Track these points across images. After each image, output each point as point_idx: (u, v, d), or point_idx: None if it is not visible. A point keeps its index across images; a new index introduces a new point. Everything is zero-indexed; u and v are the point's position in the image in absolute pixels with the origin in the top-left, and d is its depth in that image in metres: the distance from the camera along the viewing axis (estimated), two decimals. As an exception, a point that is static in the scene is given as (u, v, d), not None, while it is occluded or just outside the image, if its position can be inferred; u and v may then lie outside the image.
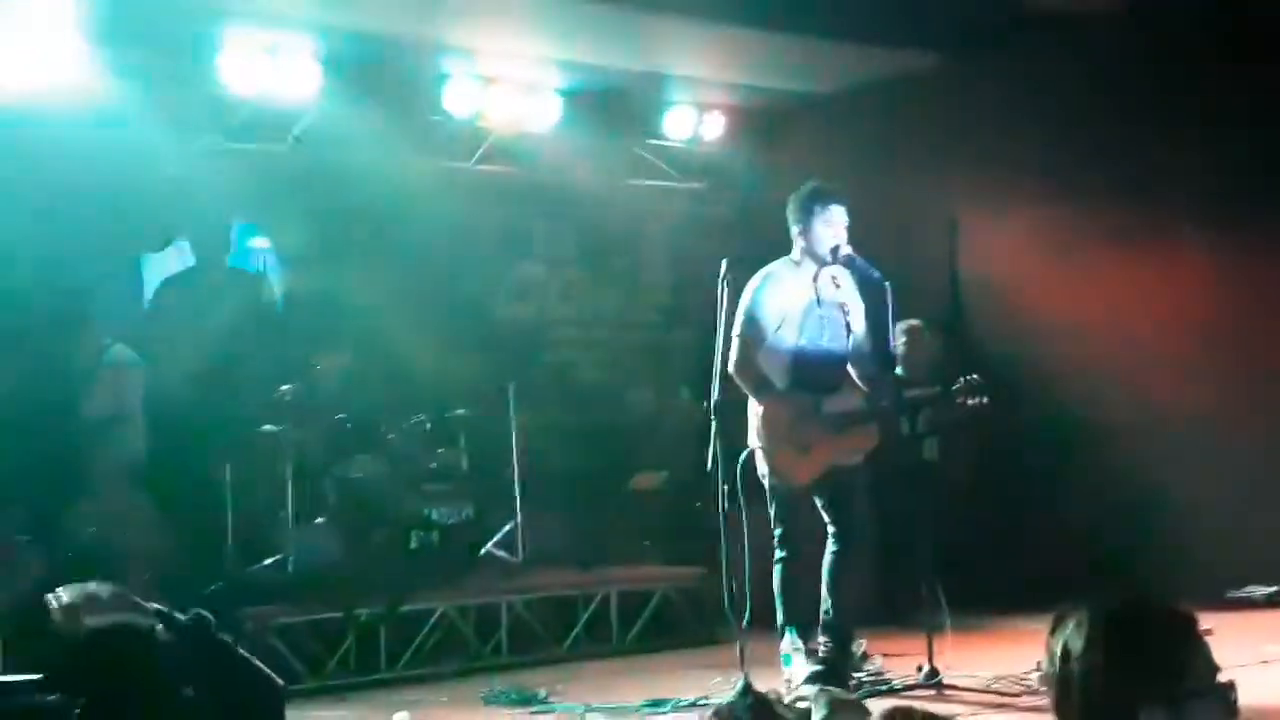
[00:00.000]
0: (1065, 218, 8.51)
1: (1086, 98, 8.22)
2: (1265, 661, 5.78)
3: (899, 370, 7.79)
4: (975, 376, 5.87)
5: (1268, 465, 7.74)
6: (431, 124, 8.45)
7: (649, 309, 9.49)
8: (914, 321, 7.99)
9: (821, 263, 5.84)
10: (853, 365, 5.87)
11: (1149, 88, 7.99)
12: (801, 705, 3.84)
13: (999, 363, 8.59)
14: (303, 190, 8.36)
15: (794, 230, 5.90)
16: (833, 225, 5.81)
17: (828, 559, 5.80)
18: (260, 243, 8.64)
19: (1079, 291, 8.47)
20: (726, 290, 5.76)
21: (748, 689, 2.79)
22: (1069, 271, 8.53)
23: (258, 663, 2.77)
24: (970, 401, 5.82)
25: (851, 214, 5.87)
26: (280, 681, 2.76)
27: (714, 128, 9.30)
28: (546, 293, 9.60)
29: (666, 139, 9.33)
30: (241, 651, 2.71)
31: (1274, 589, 7.70)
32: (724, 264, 5.80)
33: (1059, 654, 2.03)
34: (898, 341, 7.84)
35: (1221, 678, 2.01)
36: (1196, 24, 7.80)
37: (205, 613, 2.83)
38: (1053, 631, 2.07)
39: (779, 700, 2.80)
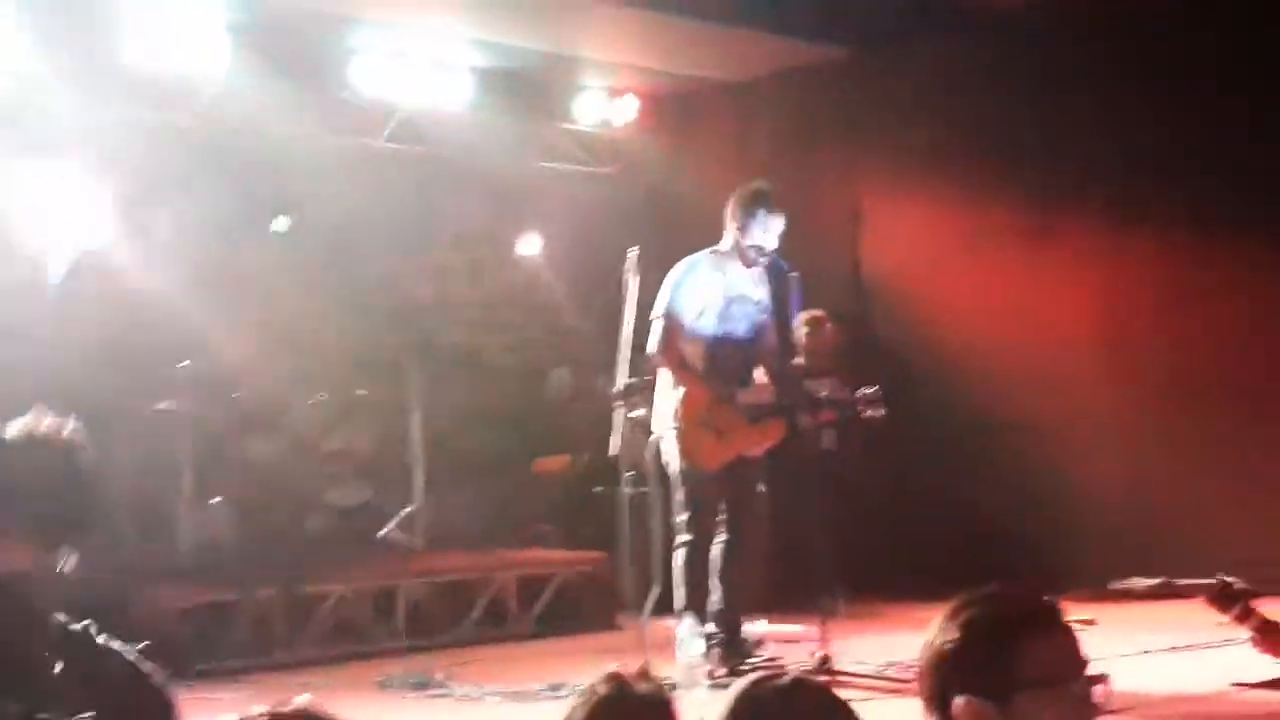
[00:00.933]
0: (969, 210, 8.64)
1: (992, 91, 8.34)
2: (1146, 651, 5.93)
3: (799, 359, 7.91)
4: (876, 389, 5.98)
5: (1156, 459, 7.93)
6: (339, 100, 8.34)
7: (559, 293, 9.45)
8: (816, 312, 8.06)
9: (751, 264, 5.96)
10: (764, 360, 5.98)
11: (1053, 81, 8.13)
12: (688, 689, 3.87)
13: (900, 353, 8.75)
14: (209, 163, 8.20)
15: (730, 224, 5.99)
16: (770, 232, 5.95)
17: (719, 549, 5.86)
18: (164, 215, 8.47)
19: (981, 283, 8.60)
20: (634, 277, 5.79)
21: (614, 676, 2.79)
22: (972, 263, 8.66)
23: (149, 674, 2.65)
24: (868, 413, 5.95)
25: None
26: (172, 699, 2.66)
27: (626, 113, 9.29)
28: (454, 273, 9.53)
29: (578, 123, 9.30)
30: (131, 659, 2.57)
31: (1157, 581, 7.88)
32: (631, 251, 5.84)
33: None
34: (799, 331, 7.96)
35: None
36: (1099, 17, 7.95)
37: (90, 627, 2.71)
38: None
39: (643, 678, 2.78)
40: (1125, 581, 7.84)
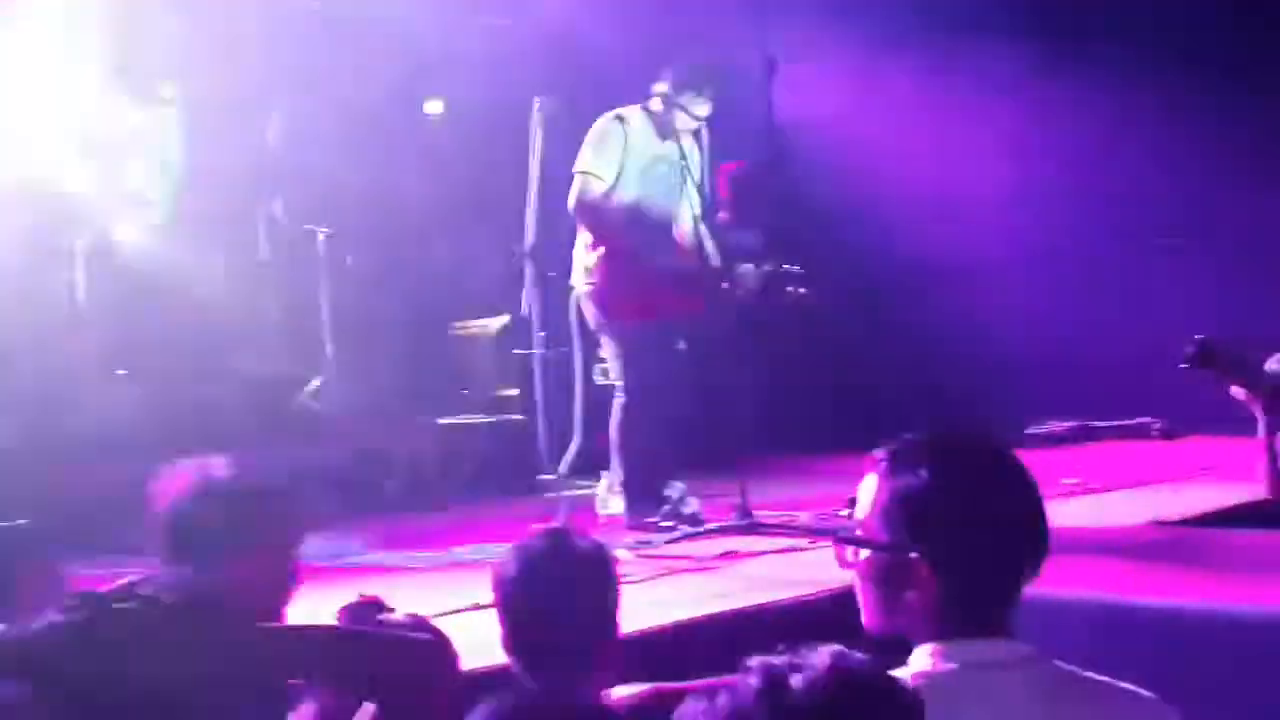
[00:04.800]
0: (876, 52, 8.50)
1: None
2: (1064, 494, 5.98)
3: (723, 214, 7.84)
4: (797, 267, 5.93)
5: (1072, 303, 7.96)
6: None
7: (459, 150, 9.20)
8: (738, 163, 7.99)
9: (674, 137, 5.90)
10: (684, 225, 5.88)
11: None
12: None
13: (817, 203, 8.67)
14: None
15: (663, 89, 5.90)
16: (700, 110, 5.91)
17: (637, 406, 5.80)
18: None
19: (897, 131, 8.51)
20: (541, 128, 5.62)
21: (551, 531, 2.74)
22: (887, 111, 8.56)
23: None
24: (791, 289, 5.89)
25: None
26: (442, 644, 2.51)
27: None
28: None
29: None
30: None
31: (1074, 424, 7.98)
32: (537, 101, 5.67)
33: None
34: (723, 182, 7.88)
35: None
36: None
37: None
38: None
39: (579, 534, 2.74)
40: (1042, 426, 7.96)
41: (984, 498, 1.97)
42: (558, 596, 2.56)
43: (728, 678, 1.43)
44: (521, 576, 2.59)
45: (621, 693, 2.67)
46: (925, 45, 8.35)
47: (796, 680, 1.40)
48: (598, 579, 2.64)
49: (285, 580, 2.73)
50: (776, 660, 1.43)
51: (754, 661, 1.44)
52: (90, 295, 7.00)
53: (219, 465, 2.74)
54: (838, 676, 1.41)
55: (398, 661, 2.07)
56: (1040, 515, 2.01)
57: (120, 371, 7.10)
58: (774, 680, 1.40)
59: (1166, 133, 7.66)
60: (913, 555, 1.96)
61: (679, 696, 1.71)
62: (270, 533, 2.73)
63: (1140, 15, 7.64)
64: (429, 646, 2.13)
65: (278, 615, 2.59)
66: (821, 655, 1.43)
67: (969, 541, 1.96)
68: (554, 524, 2.77)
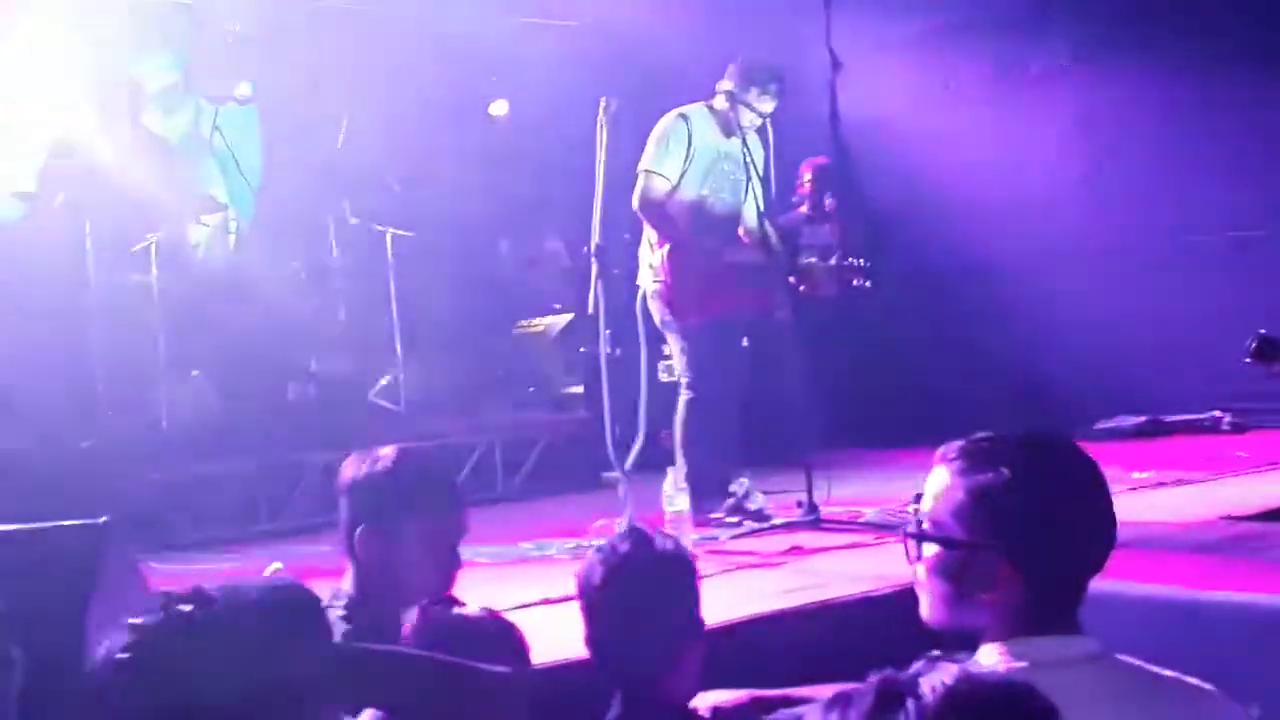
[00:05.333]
0: (945, 57, 8.47)
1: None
2: (1134, 489, 5.94)
3: (803, 208, 7.86)
4: (864, 261, 5.92)
5: (1140, 300, 7.88)
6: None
7: (521, 153, 9.25)
8: (820, 160, 8.07)
9: (739, 134, 5.88)
10: (748, 222, 5.90)
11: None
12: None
13: (881, 201, 8.65)
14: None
15: (728, 86, 5.89)
16: (765, 107, 5.89)
17: (703, 403, 5.82)
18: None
19: (959, 128, 8.47)
20: (606, 128, 5.65)
21: (634, 531, 2.76)
22: (949, 107, 8.52)
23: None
24: (856, 283, 5.88)
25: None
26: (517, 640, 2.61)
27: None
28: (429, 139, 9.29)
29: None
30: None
31: (1143, 419, 7.90)
32: (603, 100, 5.69)
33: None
34: (804, 178, 7.92)
35: None
36: None
37: None
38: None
39: (661, 534, 2.76)
40: (1111, 421, 7.89)
41: (1062, 496, 1.99)
42: (644, 597, 2.58)
43: (844, 686, 1.38)
44: (607, 580, 2.61)
45: (717, 698, 2.68)
46: (989, 39, 8.30)
47: (926, 691, 1.34)
48: (681, 579, 2.66)
49: (450, 558, 2.99)
50: (900, 674, 1.37)
51: (875, 676, 1.37)
52: (164, 296, 7.11)
53: (388, 450, 3.03)
54: (971, 687, 1.35)
55: (473, 697, 2.08)
56: (1110, 513, 2.03)
57: (194, 372, 7.23)
58: (901, 692, 1.34)
59: (1232, 125, 7.57)
60: (994, 554, 1.97)
61: (777, 704, 1.71)
62: (439, 503, 3.01)
63: (1198, 9, 7.55)
64: (507, 680, 2.14)
65: (444, 592, 2.78)
66: (948, 669, 1.37)
67: (1048, 539, 1.97)
68: (633, 525, 2.80)
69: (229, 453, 6.81)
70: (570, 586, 2.73)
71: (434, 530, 2.98)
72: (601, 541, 2.77)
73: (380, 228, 7.96)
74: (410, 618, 2.54)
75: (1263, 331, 4.30)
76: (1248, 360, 4.32)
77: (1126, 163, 7.99)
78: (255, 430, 7.06)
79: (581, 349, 7.85)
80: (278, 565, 5.20)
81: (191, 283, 7.35)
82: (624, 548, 2.65)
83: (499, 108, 9.31)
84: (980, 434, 2.05)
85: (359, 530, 2.97)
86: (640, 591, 2.58)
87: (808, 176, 8.24)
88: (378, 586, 2.93)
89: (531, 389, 8.53)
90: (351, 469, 3.04)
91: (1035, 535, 1.97)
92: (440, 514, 3.01)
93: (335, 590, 3.00)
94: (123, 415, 6.94)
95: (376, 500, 2.97)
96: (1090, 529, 2.01)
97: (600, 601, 2.60)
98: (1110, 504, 2.03)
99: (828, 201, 8.15)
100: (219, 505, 6.65)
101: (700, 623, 2.66)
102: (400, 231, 7.98)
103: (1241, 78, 7.38)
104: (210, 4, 8.00)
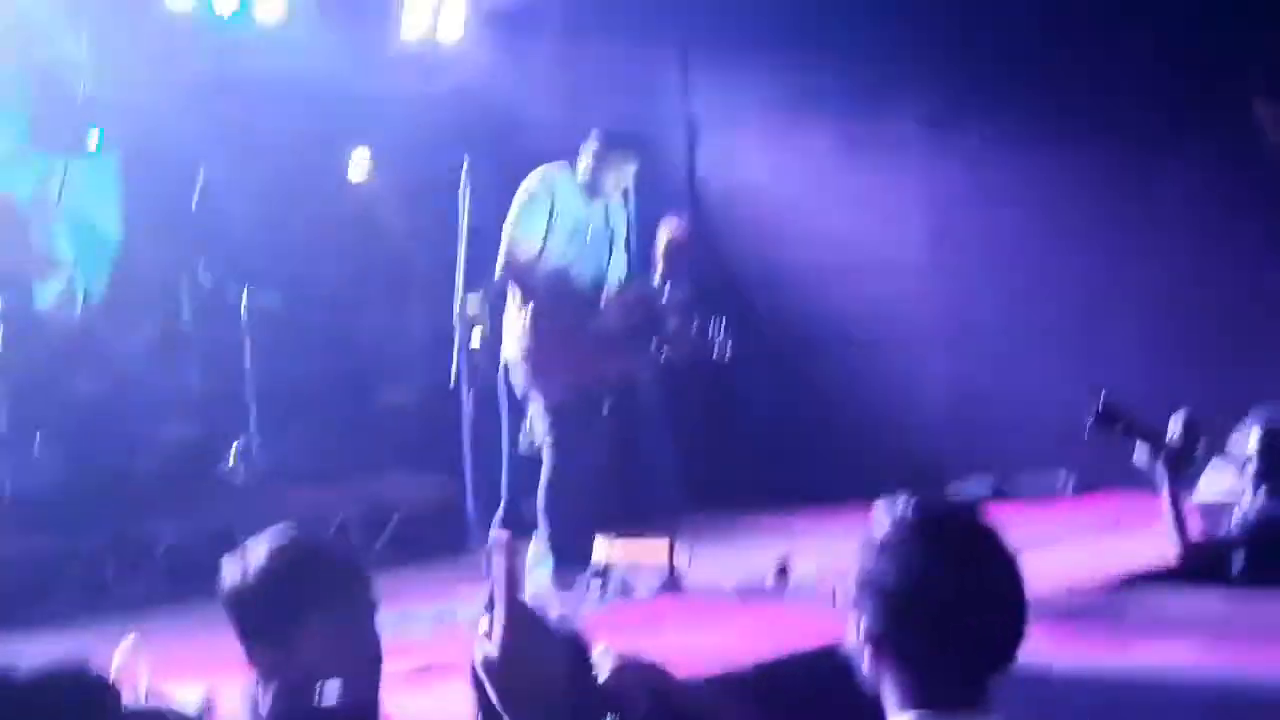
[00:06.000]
0: (802, 123, 8.64)
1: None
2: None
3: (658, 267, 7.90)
4: (722, 322, 5.99)
5: (987, 363, 8.10)
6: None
7: (386, 212, 9.18)
8: (674, 218, 8.10)
9: (602, 198, 5.96)
10: (611, 285, 5.93)
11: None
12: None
13: (733, 264, 8.76)
14: None
15: (591, 149, 5.93)
16: (624, 174, 5.98)
17: (563, 471, 5.81)
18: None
19: (814, 196, 8.64)
20: (468, 189, 5.65)
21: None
22: (803, 177, 8.68)
23: None
24: (716, 350, 5.94)
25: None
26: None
27: (453, 26, 9.01)
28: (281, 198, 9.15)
29: (404, 40, 8.98)
30: None
31: (989, 480, 8.07)
32: (465, 159, 5.69)
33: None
34: (660, 236, 7.97)
35: None
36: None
37: None
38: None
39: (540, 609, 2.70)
40: (961, 484, 8.06)
41: (963, 581, 1.93)
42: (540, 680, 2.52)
43: None
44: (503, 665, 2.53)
45: None
46: (842, 106, 8.49)
47: None
48: (577, 661, 2.59)
49: (367, 656, 2.65)
50: None
51: None
52: (4, 361, 6.87)
53: (260, 548, 2.67)
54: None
55: None
56: (1020, 596, 1.98)
57: (35, 443, 6.97)
58: None
59: (1078, 193, 7.85)
60: (881, 639, 1.94)
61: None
62: (333, 596, 2.64)
63: (1062, 77, 7.83)
64: None
65: (374, 704, 2.51)
66: None
67: (945, 627, 1.92)
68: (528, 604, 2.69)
69: (72, 525, 6.57)
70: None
71: (335, 627, 2.64)
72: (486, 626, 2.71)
73: (237, 289, 7.81)
74: None
75: (1104, 395, 4.46)
76: (1091, 422, 4.48)
77: (974, 228, 8.23)
78: (100, 502, 6.83)
79: (442, 415, 7.77)
80: (132, 637, 5.02)
81: (35, 348, 7.11)
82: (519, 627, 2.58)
83: (359, 168, 9.22)
84: (884, 505, 2.01)
85: (249, 648, 2.66)
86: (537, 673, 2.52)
87: (662, 239, 8.25)
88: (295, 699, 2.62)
89: (391, 455, 8.40)
90: (227, 578, 2.71)
91: (929, 623, 1.91)
92: (339, 607, 2.65)
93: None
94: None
95: (261, 611, 2.65)
96: (993, 615, 1.95)
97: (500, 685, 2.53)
98: (1020, 587, 1.98)
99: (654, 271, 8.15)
100: (61, 580, 6.41)
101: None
102: (258, 292, 7.83)
103: (1087, 147, 7.68)
104: (58, 70, 7.80)
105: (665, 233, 8.09)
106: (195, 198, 8.13)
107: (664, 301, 6.00)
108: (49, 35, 7.72)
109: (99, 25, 7.74)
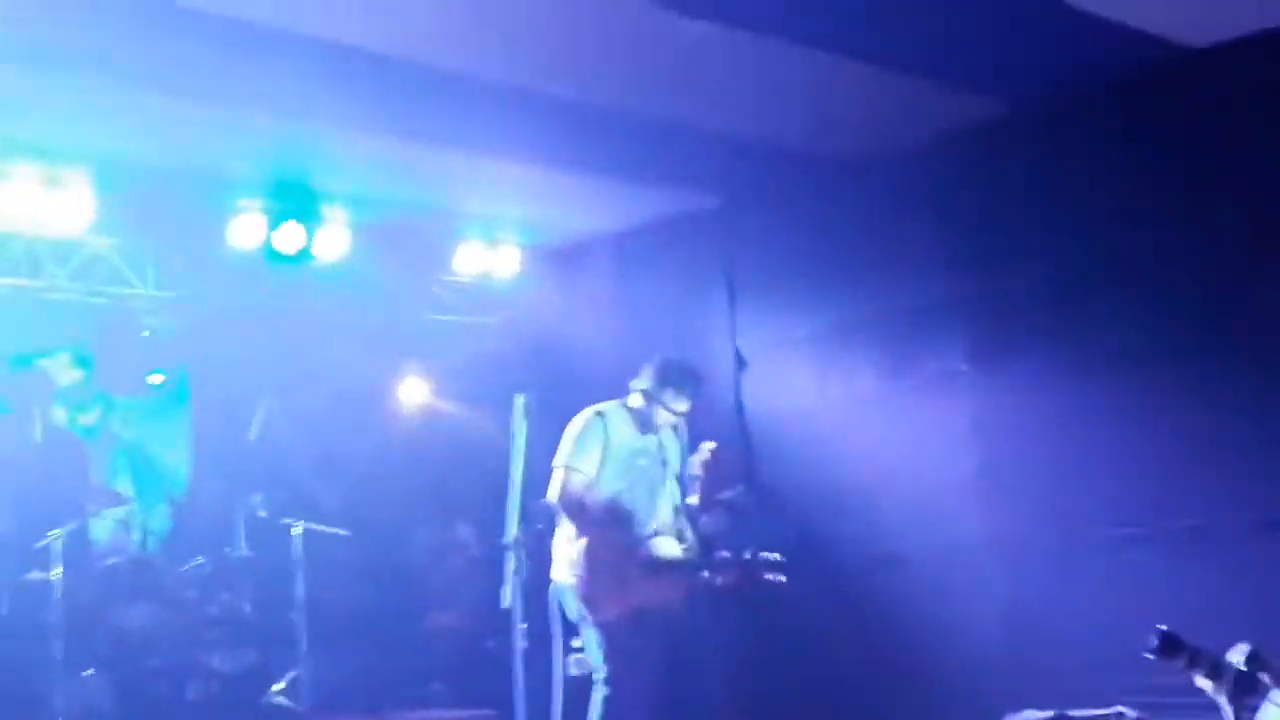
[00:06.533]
0: (843, 356, 8.80)
1: (862, 235, 8.58)
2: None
3: (693, 496, 7.95)
4: (777, 556, 6.02)
5: (1039, 593, 8.01)
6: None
7: (439, 443, 9.34)
8: (712, 443, 8.16)
9: (655, 431, 6.07)
10: (664, 517, 6.02)
11: (925, 225, 8.38)
12: None
13: (782, 492, 8.79)
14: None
15: (645, 385, 6.09)
16: (680, 406, 6.11)
17: (601, 703, 5.76)
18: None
19: (859, 426, 8.71)
20: (522, 424, 5.76)
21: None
22: (849, 407, 8.78)
23: None
24: (769, 577, 5.97)
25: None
26: None
27: (507, 263, 9.32)
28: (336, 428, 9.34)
29: (458, 274, 9.30)
30: None
31: (1050, 713, 7.89)
32: (519, 397, 5.82)
33: None
34: (695, 462, 8.03)
35: None
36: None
37: None
38: None
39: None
40: (1018, 716, 7.87)
41: None
42: None
43: None
44: None
45: None
46: (885, 339, 8.65)
47: None
48: None
49: None
50: None
51: None
52: (65, 593, 6.95)
53: None
54: None
55: None
56: None
57: (88, 671, 6.99)
58: None
59: (1123, 427, 7.86)
60: None
61: None
62: None
63: (1093, 308, 7.94)
64: None
65: None
66: None
67: None
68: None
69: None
70: None
71: None
72: None
73: (290, 521, 7.91)
74: None
75: (1162, 627, 4.42)
76: (1149, 655, 4.43)
77: (1019, 461, 8.24)
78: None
79: (490, 642, 7.75)
80: None
81: (91, 579, 7.20)
82: None
83: (412, 395, 9.42)
84: None
85: None
86: None
87: (696, 462, 8.29)
88: None
89: (438, 685, 8.34)
90: None
91: None
92: None
93: None
94: (16, 715, 6.67)
95: None
96: None
97: None
98: None
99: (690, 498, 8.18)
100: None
101: None
102: (314, 526, 7.94)
103: (1128, 382, 7.72)
104: (124, 305, 8.11)
105: (699, 457, 8.19)
106: (254, 429, 8.33)
107: (702, 528, 6.05)
108: (116, 275, 8.05)
109: (166, 265, 8.07)
